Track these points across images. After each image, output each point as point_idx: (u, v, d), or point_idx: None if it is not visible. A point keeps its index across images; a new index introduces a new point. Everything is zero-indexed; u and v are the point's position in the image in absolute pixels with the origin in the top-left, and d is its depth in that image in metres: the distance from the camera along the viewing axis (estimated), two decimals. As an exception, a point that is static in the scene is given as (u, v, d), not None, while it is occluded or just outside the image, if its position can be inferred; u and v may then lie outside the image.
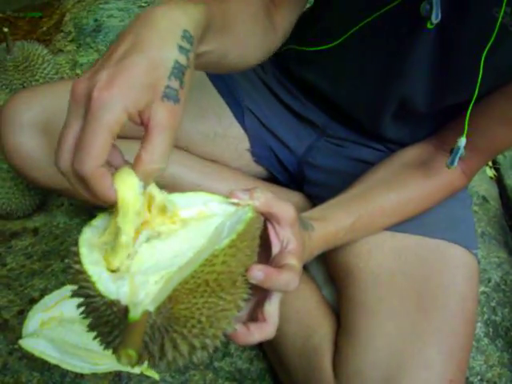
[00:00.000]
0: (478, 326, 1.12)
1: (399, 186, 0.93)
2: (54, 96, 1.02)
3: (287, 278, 0.59)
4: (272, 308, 0.61)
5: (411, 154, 0.99)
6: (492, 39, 0.76)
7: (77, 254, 0.53)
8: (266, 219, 0.64)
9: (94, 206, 1.11)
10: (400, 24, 0.83)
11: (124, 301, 0.49)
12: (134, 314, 0.47)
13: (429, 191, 0.94)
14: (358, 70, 0.95)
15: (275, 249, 0.64)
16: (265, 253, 0.64)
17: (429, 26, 0.77)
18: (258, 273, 0.56)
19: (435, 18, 0.76)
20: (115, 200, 0.52)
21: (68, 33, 1.90)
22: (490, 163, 1.57)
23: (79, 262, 0.52)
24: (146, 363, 0.52)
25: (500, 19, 0.75)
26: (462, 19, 0.79)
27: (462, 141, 0.81)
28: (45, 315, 0.99)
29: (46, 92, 1.04)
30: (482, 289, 1.18)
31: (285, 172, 1.16)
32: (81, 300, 0.53)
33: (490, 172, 1.56)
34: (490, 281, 1.20)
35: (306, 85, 1.06)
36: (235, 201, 0.61)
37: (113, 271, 0.53)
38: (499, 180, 1.54)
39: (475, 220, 1.35)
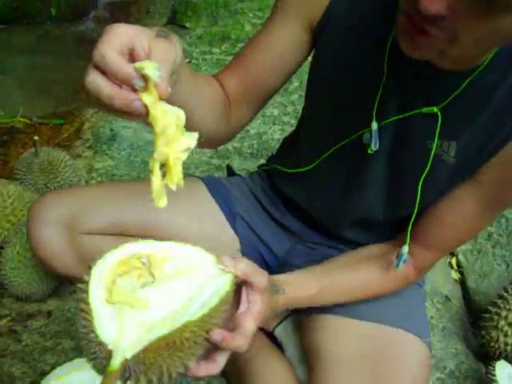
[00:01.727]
0: (431, 406, 1.27)
1: (359, 272, 1.11)
2: (76, 198, 1.21)
3: (239, 344, 0.79)
4: (223, 355, 0.81)
5: (373, 249, 1.17)
6: (428, 168, 0.96)
7: (87, 284, 0.69)
8: (243, 282, 0.84)
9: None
10: (356, 151, 1.03)
11: (110, 344, 0.65)
12: (115, 363, 0.64)
13: (384, 281, 1.12)
14: (326, 188, 1.15)
15: (242, 307, 0.84)
16: (235, 305, 0.83)
17: (369, 151, 0.97)
18: (218, 337, 0.75)
19: (374, 146, 0.97)
20: (134, 73, 0.64)
21: (86, 140, 2.13)
22: (455, 266, 1.76)
23: (86, 292, 0.68)
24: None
25: (434, 150, 0.95)
26: (403, 148, 0.99)
27: (405, 248, 1.02)
28: (56, 384, 1.14)
29: (69, 195, 1.24)
30: (438, 375, 1.34)
31: (268, 270, 1.34)
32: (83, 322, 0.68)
33: (455, 274, 1.75)
34: (445, 368, 1.36)
35: (285, 197, 1.27)
36: (221, 267, 0.79)
37: (112, 303, 0.69)
38: (462, 282, 1.72)
39: (438, 316, 1.53)
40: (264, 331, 1.32)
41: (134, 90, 0.65)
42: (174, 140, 0.68)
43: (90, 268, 0.72)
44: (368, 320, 1.14)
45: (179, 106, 0.85)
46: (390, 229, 1.17)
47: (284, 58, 1.04)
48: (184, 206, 1.24)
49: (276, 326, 1.31)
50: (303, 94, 1.14)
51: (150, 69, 0.64)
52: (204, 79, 1.02)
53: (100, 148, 2.06)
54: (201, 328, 0.71)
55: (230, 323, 0.82)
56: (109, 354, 0.66)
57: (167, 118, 0.67)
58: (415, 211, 1.01)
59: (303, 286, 1.03)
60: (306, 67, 1.09)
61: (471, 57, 0.83)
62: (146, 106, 0.65)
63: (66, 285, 1.53)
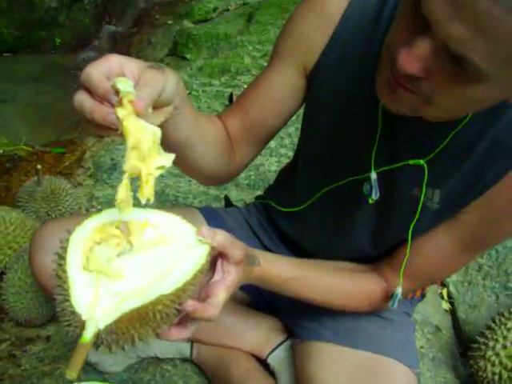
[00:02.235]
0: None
1: (333, 277, 1.12)
2: (77, 226, 1.26)
3: (210, 314, 0.81)
4: (193, 324, 0.84)
5: (353, 266, 1.18)
6: (417, 217, 1.00)
7: (65, 250, 0.71)
8: (219, 254, 0.86)
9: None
10: (349, 195, 1.07)
11: (84, 315, 0.66)
12: (87, 335, 0.66)
13: (354, 295, 1.14)
14: (318, 226, 1.20)
15: (217, 276, 0.87)
16: (209, 273, 0.86)
17: (370, 201, 1.01)
18: (190, 308, 0.78)
19: (374, 195, 1.00)
20: (110, 89, 0.68)
21: (87, 168, 2.18)
22: (446, 297, 1.80)
23: (64, 259, 0.70)
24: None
25: (422, 199, 0.99)
26: (390, 194, 1.03)
27: (399, 289, 1.07)
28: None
29: (70, 223, 1.25)
30: (427, 403, 1.37)
31: (262, 300, 1.40)
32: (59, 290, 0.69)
33: (446, 305, 1.78)
34: (434, 396, 1.40)
35: (280, 230, 1.32)
36: (199, 238, 0.81)
37: (89, 270, 0.70)
38: (453, 312, 1.76)
39: (428, 346, 1.56)
40: (257, 359, 1.35)
41: (113, 106, 0.69)
42: (150, 156, 0.70)
43: (68, 233, 0.74)
44: (362, 349, 1.18)
45: (180, 142, 0.91)
46: (378, 258, 1.20)
47: (283, 102, 1.08)
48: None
49: (269, 354, 1.34)
50: (300, 126, 1.18)
51: (122, 83, 0.68)
52: (206, 118, 1.07)
53: (101, 177, 2.11)
54: (173, 301, 0.73)
55: (203, 291, 0.85)
56: (82, 325, 0.67)
57: (142, 134, 0.69)
58: (407, 256, 1.05)
59: (279, 266, 1.04)
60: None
61: (447, 116, 0.85)
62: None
63: (65, 311, 1.57)
